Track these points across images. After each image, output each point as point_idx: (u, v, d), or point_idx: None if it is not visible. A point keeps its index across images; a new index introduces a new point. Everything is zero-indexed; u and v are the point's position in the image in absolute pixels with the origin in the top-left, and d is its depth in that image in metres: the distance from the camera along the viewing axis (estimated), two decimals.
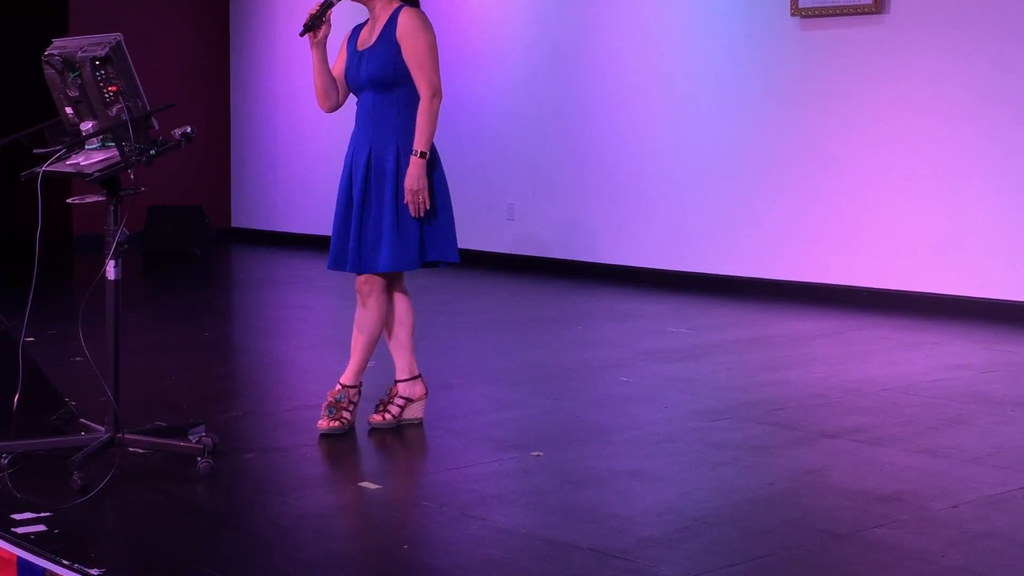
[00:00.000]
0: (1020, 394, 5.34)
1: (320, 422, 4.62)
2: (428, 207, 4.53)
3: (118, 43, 3.90)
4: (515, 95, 9.96)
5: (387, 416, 4.71)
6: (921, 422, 4.82)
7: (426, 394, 4.81)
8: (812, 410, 5.03)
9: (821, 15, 8.00)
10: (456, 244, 4.69)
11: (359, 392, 4.69)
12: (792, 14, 8.12)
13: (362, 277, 4.63)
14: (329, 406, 4.63)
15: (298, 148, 12.12)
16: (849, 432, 4.65)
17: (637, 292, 8.64)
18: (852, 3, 7.82)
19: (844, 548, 3.39)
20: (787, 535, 3.51)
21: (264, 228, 12.58)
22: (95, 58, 3.88)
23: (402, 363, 4.78)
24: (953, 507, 3.73)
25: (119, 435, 4.00)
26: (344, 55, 4.73)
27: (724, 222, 8.61)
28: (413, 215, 4.52)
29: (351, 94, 4.75)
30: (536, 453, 4.36)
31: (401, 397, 4.75)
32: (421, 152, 4.51)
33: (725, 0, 8.56)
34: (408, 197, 4.50)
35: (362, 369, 4.70)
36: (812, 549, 3.40)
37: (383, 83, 4.57)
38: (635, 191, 9.12)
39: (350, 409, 4.65)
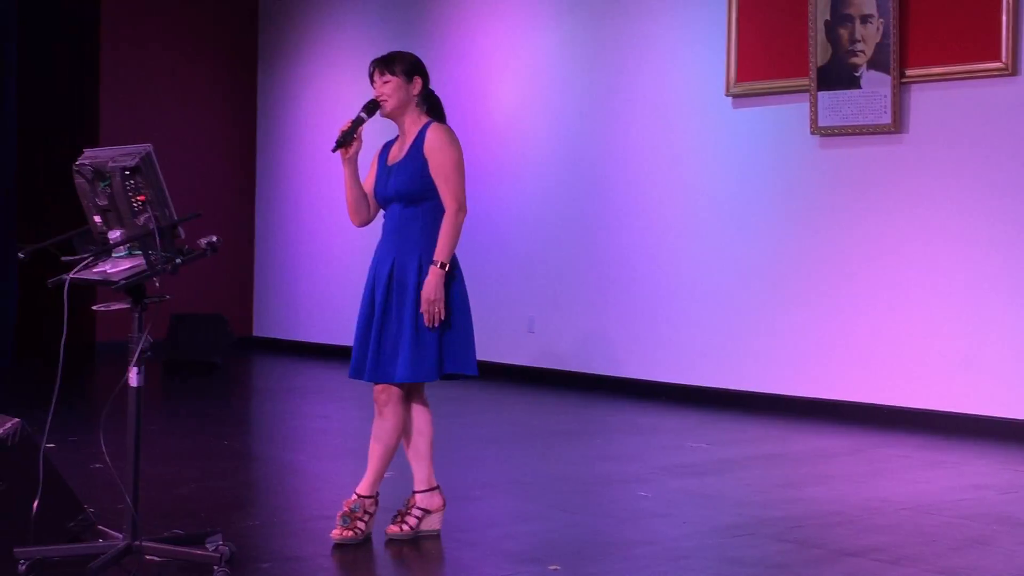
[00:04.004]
0: None
1: (334, 531, 4.61)
2: (443, 318, 4.57)
3: (148, 154, 3.96)
4: (537, 208, 10.05)
5: (405, 527, 4.69)
6: (942, 542, 4.78)
7: (444, 505, 4.80)
8: (831, 528, 5.00)
9: (840, 134, 8.09)
10: (475, 357, 4.71)
11: (376, 503, 4.69)
12: (812, 132, 8.22)
13: (379, 387, 4.66)
14: (344, 515, 4.62)
15: (321, 259, 12.22)
16: (868, 551, 4.61)
17: (656, 406, 8.62)
18: (871, 122, 7.90)
19: None
20: None
21: (286, 337, 12.64)
22: (125, 168, 3.94)
23: (420, 474, 4.78)
24: None
25: (136, 542, 4.00)
26: (375, 170, 4.81)
27: (743, 338, 8.63)
28: (427, 325, 4.56)
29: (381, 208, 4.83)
30: (554, 567, 4.33)
31: (419, 508, 4.74)
32: (441, 263, 4.56)
33: (747, 118, 8.67)
34: (424, 307, 4.54)
35: (378, 479, 4.70)
36: None
37: (409, 197, 4.64)
38: (655, 305, 9.16)
39: (365, 519, 4.64)
